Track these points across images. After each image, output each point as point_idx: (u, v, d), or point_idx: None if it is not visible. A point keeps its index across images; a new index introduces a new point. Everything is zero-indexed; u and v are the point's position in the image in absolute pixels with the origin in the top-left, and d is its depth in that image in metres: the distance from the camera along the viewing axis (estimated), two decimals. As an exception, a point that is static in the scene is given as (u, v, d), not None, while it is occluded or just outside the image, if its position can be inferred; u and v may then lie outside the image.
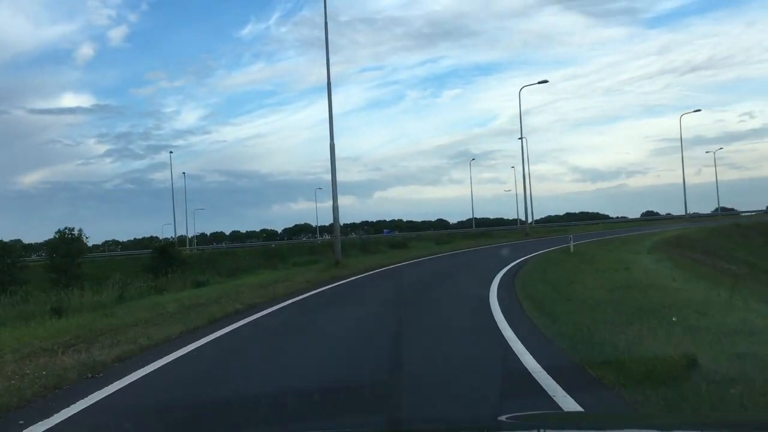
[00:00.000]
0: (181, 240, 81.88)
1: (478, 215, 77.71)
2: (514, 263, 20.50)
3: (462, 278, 17.71)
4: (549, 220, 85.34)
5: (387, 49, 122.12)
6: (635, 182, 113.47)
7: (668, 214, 75.94)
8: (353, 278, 18.88)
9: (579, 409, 4.73)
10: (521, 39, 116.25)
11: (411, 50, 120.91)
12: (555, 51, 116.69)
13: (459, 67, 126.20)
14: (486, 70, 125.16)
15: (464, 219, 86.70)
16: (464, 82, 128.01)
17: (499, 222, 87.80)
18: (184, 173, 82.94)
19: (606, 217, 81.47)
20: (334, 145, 24.04)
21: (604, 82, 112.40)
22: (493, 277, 15.85)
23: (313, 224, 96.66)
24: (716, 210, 70.32)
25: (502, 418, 3.20)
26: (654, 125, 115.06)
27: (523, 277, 15.62)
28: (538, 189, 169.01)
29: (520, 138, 51.45)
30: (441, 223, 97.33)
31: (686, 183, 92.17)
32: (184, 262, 37.71)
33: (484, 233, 63.66)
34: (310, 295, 14.54)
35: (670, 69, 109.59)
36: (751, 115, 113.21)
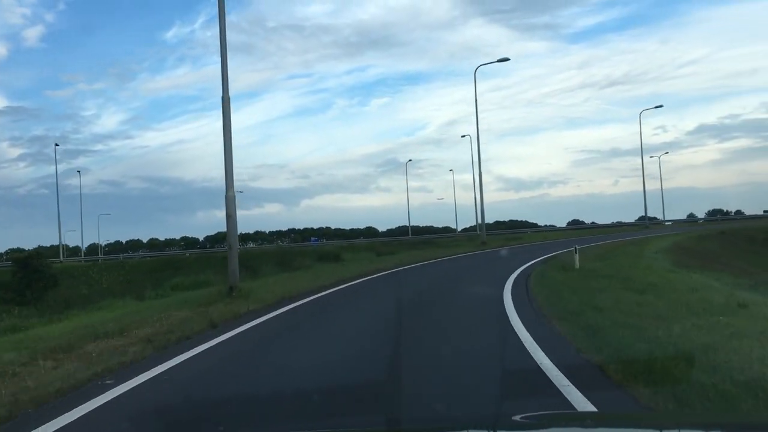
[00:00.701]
0: (75, 249, 72.84)
1: (405, 223, 75.85)
2: (529, 298, 12.13)
3: (475, 338, 8.19)
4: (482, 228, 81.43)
5: (315, 57, 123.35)
6: (557, 192, 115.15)
7: (618, 222, 73.03)
8: (245, 327, 9.89)
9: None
10: (448, 50, 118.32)
11: (339, 58, 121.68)
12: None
13: (387, 77, 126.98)
14: (414, 79, 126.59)
15: (394, 227, 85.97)
16: (392, 91, 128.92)
17: (430, 230, 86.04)
18: (78, 172, 72.52)
19: (534, 225, 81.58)
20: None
21: (527, 94, 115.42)
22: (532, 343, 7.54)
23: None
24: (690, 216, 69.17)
25: (517, 417, 3.08)
26: (575, 137, 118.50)
27: (598, 334, 7.42)
28: (464, 198, 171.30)
29: (463, 136, 43.69)
30: (371, 231, 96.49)
31: (604, 194, 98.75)
32: (54, 278, 30.16)
33: (427, 242, 55.65)
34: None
35: (590, 83, 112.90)
36: (664, 128, 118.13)
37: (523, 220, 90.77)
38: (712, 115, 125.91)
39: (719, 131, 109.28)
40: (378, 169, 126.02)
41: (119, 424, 5.10)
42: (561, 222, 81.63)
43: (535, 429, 2.88)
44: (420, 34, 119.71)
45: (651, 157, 69.22)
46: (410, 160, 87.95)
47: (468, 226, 77.14)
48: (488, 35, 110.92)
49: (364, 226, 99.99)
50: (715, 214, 72.36)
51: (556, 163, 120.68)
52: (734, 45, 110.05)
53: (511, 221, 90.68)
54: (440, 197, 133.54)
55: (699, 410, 4.48)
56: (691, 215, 74.21)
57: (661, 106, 57.08)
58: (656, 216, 70.49)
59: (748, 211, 68.98)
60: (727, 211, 74.84)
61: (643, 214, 67.45)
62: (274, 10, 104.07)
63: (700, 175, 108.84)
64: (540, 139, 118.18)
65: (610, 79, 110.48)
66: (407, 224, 78.37)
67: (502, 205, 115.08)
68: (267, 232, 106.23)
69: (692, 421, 3.09)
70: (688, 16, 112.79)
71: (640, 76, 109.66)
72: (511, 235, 55.74)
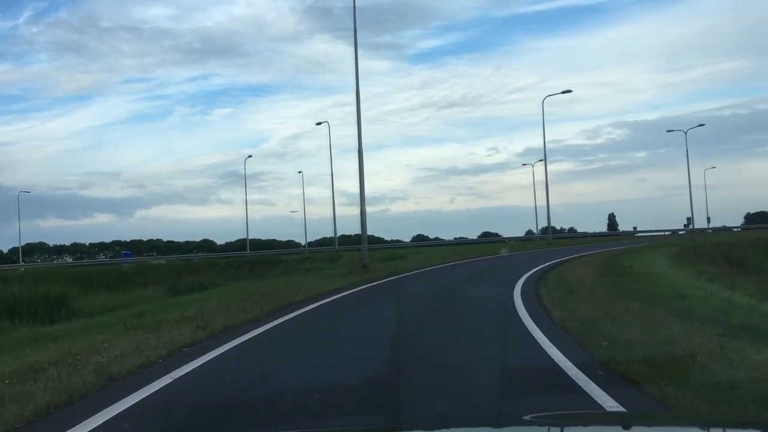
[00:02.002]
0: None
1: (249, 236, 69.20)
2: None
3: None
4: (325, 242, 79.38)
5: (154, 61, 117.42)
6: (398, 207, 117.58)
7: (461, 237, 74.00)
8: None
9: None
10: (294, 63, 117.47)
11: (181, 64, 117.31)
12: (326, 78, 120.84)
13: (231, 86, 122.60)
14: (258, 91, 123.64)
15: (233, 240, 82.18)
16: (236, 102, 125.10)
17: (272, 244, 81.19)
18: None
19: (380, 240, 79.62)
20: None
21: (370, 111, 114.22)
22: None
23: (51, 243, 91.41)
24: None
25: (527, 417, 3.06)
26: (415, 155, 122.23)
27: None
28: (307, 211, 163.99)
29: (319, 123, 31.01)
30: (207, 244, 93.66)
31: (442, 210, 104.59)
32: None
33: (269, 262, 41.89)
34: None
35: (430, 103, 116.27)
36: (496, 150, 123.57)
37: (370, 234, 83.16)
38: (538, 139, 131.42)
39: (546, 154, 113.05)
40: (219, 181, 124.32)
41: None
42: (405, 237, 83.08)
43: (545, 429, 2.90)
44: (265, 45, 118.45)
45: (539, 160, 60.77)
46: (250, 156, 75.98)
47: (315, 239, 76.33)
48: (334, 51, 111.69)
49: (201, 239, 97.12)
50: (546, 231, 75.54)
51: (398, 179, 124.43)
52: (558, 75, 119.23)
53: (357, 236, 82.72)
54: (294, 210, 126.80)
55: (711, 410, 4.57)
56: (529, 231, 76.00)
57: (569, 91, 48.90)
58: (497, 232, 73.15)
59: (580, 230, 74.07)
60: (561, 228, 78.48)
61: (488, 231, 69.91)
62: (110, 9, 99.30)
63: (526, 195, 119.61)
64: (382, 155, 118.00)
65: (449, 100, 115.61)
66: (242, 237, 71.85)
67: (345, 219, 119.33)
68: (87, 244, 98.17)
69: (705, 421, 3.11)
70: (519, 45, 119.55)
71: (476, 98, 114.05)
72: (378, 250, 43.84)
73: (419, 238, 79.83)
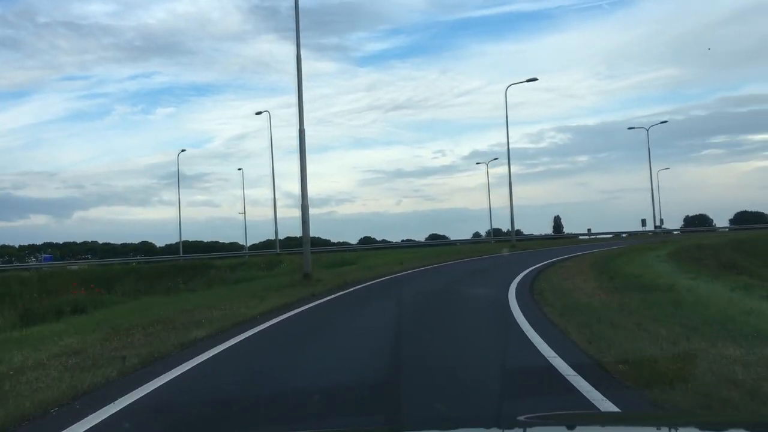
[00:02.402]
0: None
1: (191, 238, 70.69)
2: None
3: None
4: (269, 245, 76.25)
5: (94, 59, 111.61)
6: (344, 210, 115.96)
7: (408, 239, 71.80)
8: None
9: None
10: (238, 63, 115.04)
11: (121, 62, 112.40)
12: (271, 78, 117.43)
13: (174, 85, 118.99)
14: (202, 90, 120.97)
15: (173, 242, 78.02)
16: (179, 101, 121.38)
17: (214, 247, 78.32)
18: None
19: (327, 242, 78.48)
20: None
21: (317, 112, 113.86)
22: None
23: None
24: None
25: (521, 417, 3.07)
26: (362, 157, 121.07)
27: None
28: (253, 213, 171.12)
29: (259, 113, 26.32)
30: (146, 246, 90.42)
31: (389, 212, 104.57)
32: None
33: (198, 267, 36.91)
34: None
35: (377, 106, 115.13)
36: (443, 152, 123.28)
37: (315, 236, 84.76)
38: (484, 142, 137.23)
39: (489, 157, 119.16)
40: (161, 181, 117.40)
41: None
42: (352, 239, 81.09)
43: (540, 429, 2.89)
44: (209, 44, 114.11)
45: (492, 160, 57.28)
46: (183, 150, 71.48)
47: (258, 241, 72.85)
48: (280, 51, 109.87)
49: (139, 241, 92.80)
50: (498, 233, 74.21)
51: (344, 181, 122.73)
52: (504, 80, 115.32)
53: (301, 238, 79.74)
54: (241, 212, 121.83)
55: (707, 410, 4.57)
56: (476, 234, 76.07)
57: (535, 79, 44.26)
58: (445, 234, 72.57)
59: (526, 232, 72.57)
60: (506, 231, 79.45)
61: (435, 233, 68.65)
62: (48, 4, 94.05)
63: (472, 198, 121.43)
64: (328, 157, 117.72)
65: (395, 103, 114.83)
66: (188, 239, 70.77)
67: (290, 221, 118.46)
68: (17, 246, 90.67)
69: (700, 421, 3.12)
70: (465, 49, 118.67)
71: (422, 102, 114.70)
72: (325, 253, 38.97)
73: (366, 241, 78.38)
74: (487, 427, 3.30)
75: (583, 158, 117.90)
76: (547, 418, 3.16)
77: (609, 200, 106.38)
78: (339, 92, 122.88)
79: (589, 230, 64.58)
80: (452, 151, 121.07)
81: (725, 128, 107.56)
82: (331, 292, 15.98)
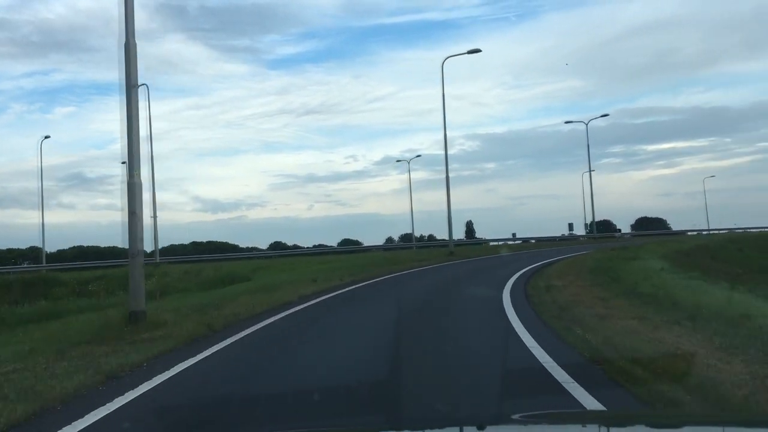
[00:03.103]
0: None
1: (89, 243, 65.65)
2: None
3: None
4: (174, 250, 73.78)
5: None
6: (255, 214, 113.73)
7: (320, 245, 70.24)
8: None
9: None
10: (144, 63, 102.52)
11: (17, 58, 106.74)
12: (179, 79, 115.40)
13: (74, 84, 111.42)
14: (104, 89, 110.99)
15: (67, 247, 73.02)
16: (80, 100, 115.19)
17: (113, 252, 67.70)
18: None
19: (235, 247, 76.73)
20: None
21: (227, 115, 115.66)
22: None
23: None
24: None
25: (516, 416, 3.10)
26: (273, 161, 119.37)
27: None
28: (161, 218, 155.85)
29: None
30: (34, 252, 79.68)
31: (300, 218, 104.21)
32: None
33: (38, 284, 27.24)
34: None
35: (289, 110, 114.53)
36: (354, 158, 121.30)
37: (223, 241, 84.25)
38: (396, 148, 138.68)
39: (401, 163, 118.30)
40: (61, 184, 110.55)
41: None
42: (262, 244, 79.16)
43: (535, 427, 2.90)
44: (112, 41, 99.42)
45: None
46: (47, 136, 61.24)
47: (165, 245, 65.37)
48: (188, 51, 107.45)
49: (27, 246, 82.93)
50: (408, 239, 75.42)
51: (255, 185, 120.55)
52: (416, 86, 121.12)
53: (209, 243, 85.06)
54: (152, 215, 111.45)
55: (701, 409, 4.57)
56: (389, 239, 75.86)
57: (478, 50, 37.35)
58: (358, 239, 72.58)
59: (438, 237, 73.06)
60: (420, 236, 79.79)
61: (348, 238, 67.95)
62: None
63: (384, 203, 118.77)
64: (239, 161, 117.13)
65: (307, 107, 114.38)
66: (84, 244, 66.21)
67: (198, 225, 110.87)
68: None
69: (694, 420, 3.15)
70: (377, 55, 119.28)
71: (334, 106, 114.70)
72: (226, 261, 29.63)
73: (277, 246, 75.13)
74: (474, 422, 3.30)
75: (491, 165, 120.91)
76: (537, 416, 3.14)
77: (516, 206, 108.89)
78: (250, 95, 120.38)
79: (513, 235, 64.02)
80: (364, 157, 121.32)
81: (623, 138, 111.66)
82: (149, 373, 7.12)
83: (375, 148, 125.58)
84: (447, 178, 37.81)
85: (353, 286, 17.74)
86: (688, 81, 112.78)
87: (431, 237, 77.06)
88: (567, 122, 69.73)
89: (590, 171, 55.90)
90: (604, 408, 4.71)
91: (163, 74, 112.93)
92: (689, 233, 59.93)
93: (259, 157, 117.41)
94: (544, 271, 19.71)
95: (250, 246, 75.00)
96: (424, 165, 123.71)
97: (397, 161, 72.80)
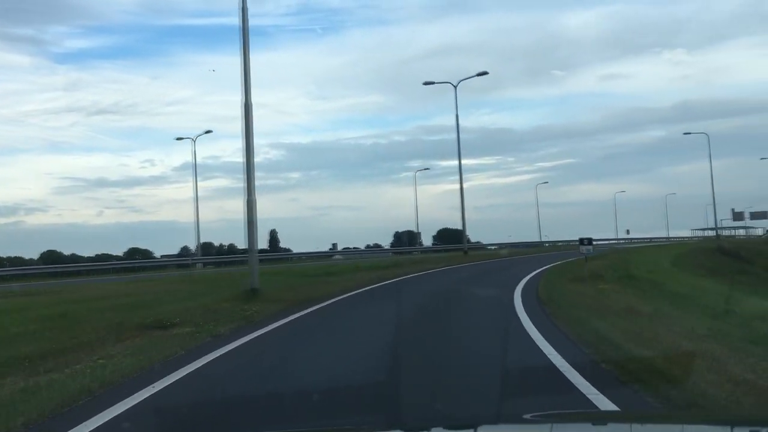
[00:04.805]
0: None
1: None
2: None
3: None
4: None
5: None
6: (35, 220, 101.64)
7: (103, 254, 63.85)
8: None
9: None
10: None
11: None
12: None
13: None
14: None
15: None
16: None
17: None
18: None
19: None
20: None
21: (6, 110, 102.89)
22: None
23: None
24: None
25: (527, 416, 3.12)
26: (58, 162, 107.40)
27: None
28: None
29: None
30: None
31: (88, 224, 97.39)
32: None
33: None
34: None
35: (78, 108, 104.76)
36: (152, 162, 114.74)
37: None
38: (197, 153, 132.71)
39: (202, 170, 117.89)
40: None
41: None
42: (33, 254, 69.29)
43: (545, 427, 2.91)
44: None
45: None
46: None
47: None
48: None
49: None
50: (207, 248, 70.36)
51: (36, 188, 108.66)
52: (218, 91, 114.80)
53: None
54: None
55: (710, 409, 4.59)
56: (185, 248, 69.67)
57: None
58: (148, 248, 67.08)
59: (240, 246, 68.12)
60: (220, 244, 75.93)
61: (134, 246, 63.47)
62: None
63: (183, 210, 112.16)
64: (19, 160, 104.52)
65: (99, 106, 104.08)
66: None
67: None
68: None
69: (704, 420, 3.11)
70: (178, 57, 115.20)
71: (130, 107, 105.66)
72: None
73: (50, 257, 65.95)
74: (485, 421, 3.42)
75: (295, 175, 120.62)
76: (548, 416, 3.15)
77: (319, 216, 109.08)
78: (33, 89, 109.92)
79: (334, 245, 63.45)
80: (162, 162, 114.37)
81: (420, 153, 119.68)
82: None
83: (174, 153, 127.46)
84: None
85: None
86: (478, 103, 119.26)
87: (231, 247, 70.58)
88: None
89: (460, 162, 48.96)
90: (612, 410, 4.74)
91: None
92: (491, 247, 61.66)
93: (42, 158, 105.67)
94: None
95: (17, 255, 63.21)
96: (227, 172, 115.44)
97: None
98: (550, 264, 26.40)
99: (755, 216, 66.30)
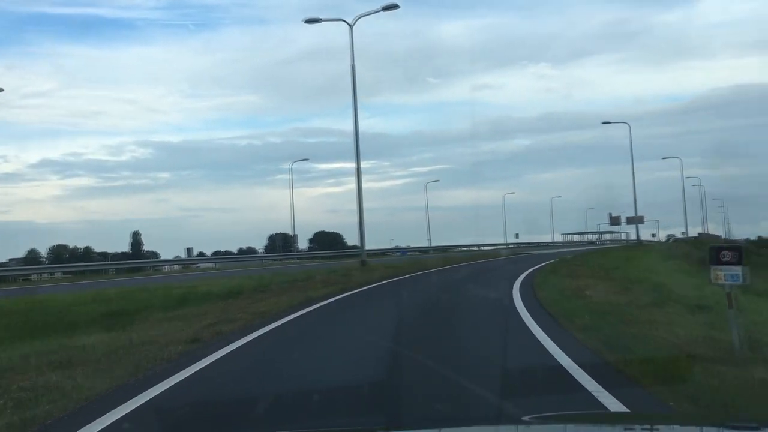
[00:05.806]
0: None
1: None
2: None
3: None
4: None
5: None
6: None
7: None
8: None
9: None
10: None
11: None
12: None
13: None
14: None
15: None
16: None
17: None
18: None
19: None
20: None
21: None
22: None
23: None
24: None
25: (526, 418, 3.21)
26: None
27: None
28: None
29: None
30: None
31: None
32: None
33: None
34: None
35: None
36: (5, 158, 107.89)
37: None
38: (56, 150, 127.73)
39: (62, 167, 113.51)
40: None
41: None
42: None
43: (545, 429, 2.92)
44: None
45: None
46: None
47: None
48: None
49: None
50: (60, 252, 68.41)
51: None
52: (83, 85, 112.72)
53: None
54: None
55: (714, 411, 4.51)
56: (32, 250, 67.12)
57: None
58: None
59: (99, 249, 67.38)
60: (75, 247, 70.99)
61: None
62: None
63: (40, 210, 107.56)
64: None
65: None
66: None
67: None
68: None
69: (707, 422, 3.18)
70: (38, 47, 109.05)
71: None
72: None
73: None
74: (485, 422, 3.45)
75: (165, 175, 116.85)
76: (548, 418, 3.17)
77: (189, 218, 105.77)
78: None
79: (189, 249, 58.68)
80: (17, 158, 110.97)
81: (296, 155, 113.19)
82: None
83: (30, 149, 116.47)
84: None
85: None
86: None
87: (87, 249, 67.57)
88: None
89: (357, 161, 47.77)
90: (625, 409, 4.73)
91: None
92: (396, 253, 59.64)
93: None
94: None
95: None
96: (90, 171, 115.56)
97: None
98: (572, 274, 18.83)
99: (630, 221, 68.81)
